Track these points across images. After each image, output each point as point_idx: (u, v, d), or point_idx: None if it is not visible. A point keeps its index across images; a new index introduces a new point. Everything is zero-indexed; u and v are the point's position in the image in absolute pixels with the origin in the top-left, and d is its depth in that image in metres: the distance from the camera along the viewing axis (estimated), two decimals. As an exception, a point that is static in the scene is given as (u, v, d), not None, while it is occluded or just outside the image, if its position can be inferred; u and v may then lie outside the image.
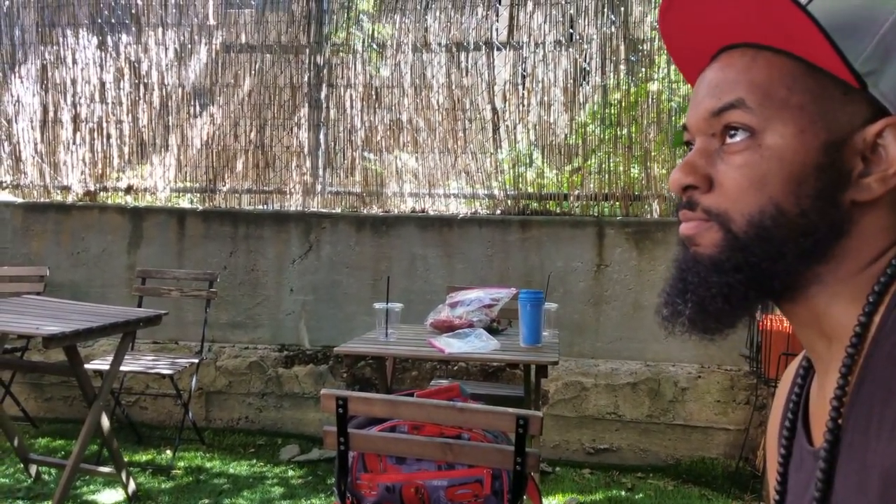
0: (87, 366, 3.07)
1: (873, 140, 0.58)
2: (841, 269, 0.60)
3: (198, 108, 4.42)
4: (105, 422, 2.88)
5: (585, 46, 3.98)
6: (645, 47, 3.91)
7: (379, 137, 4.19)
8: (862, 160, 0.59)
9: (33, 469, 3.23)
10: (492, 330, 2.79)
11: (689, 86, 0.71)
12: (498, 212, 4.05)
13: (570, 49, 3.99)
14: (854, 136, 0.58)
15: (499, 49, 4.07)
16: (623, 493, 3.30)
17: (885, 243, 0.59)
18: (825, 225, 0.58)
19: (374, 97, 4.19)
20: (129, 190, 4.47)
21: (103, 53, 4.47)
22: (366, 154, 4.21)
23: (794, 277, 0.60)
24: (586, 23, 3.95)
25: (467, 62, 4.10)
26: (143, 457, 3.61)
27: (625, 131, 3.92)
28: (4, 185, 4.61)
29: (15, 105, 4.56)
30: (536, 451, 1.68)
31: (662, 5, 0.65)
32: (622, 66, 3.91)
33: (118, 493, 3.11)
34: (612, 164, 3.93)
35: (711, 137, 0.63)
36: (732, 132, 0.61)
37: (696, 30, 0.65)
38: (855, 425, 0.55)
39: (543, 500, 3.13)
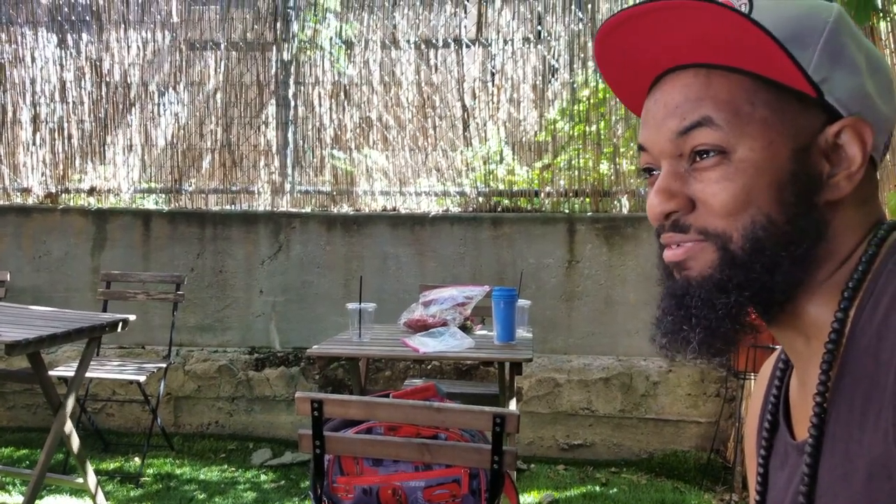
0: (51, 373, 2.99)
1: (833, 141, 0.60)
2: (822, 270, 0.61)
3: (162, 106, 4.33)
4: (71, 430, 2.81)
5: (554, 43, 3.99)
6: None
7: (348, 135, 4.15)
8: (827, 161, 0.60)
9: (-4, 480, 3.14)
10: (465, 329, 2.78)
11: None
12: (469, 209, 4.05)
13: (539, 46, 4.00)
14: (816, 140, 0.60)
15: (468, 46, 4.06)
16: (598, 488, 3.32)
17: (854, 241, 0.60)
18: (811, 229, 0.59)
19: (342, 95, 4.15)
20: (91, 191, 4.36)
21: (63, 52, 4.36)
22: (335, 152, 4.16)
23: (791, 286, 0.61)
24: (554, 20, 3.97)
25: (436, 59, 4.08)
26: (111, 465, 3.53)
27: (594, 128, 3.94)
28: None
29: (-29, 105, 4.42)
30: (514, 449, 1.68)
31: (603, 29, 0.63)
32: (590, 63, 3.93)
33: (86, 503, 3.04)
34: (581, 161, 3.95)
35: (678, 158, 0.62)
36: (702, 152, 0.60)
37: (641, 52, 0.63)
38: (837, 418, 0.56)
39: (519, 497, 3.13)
